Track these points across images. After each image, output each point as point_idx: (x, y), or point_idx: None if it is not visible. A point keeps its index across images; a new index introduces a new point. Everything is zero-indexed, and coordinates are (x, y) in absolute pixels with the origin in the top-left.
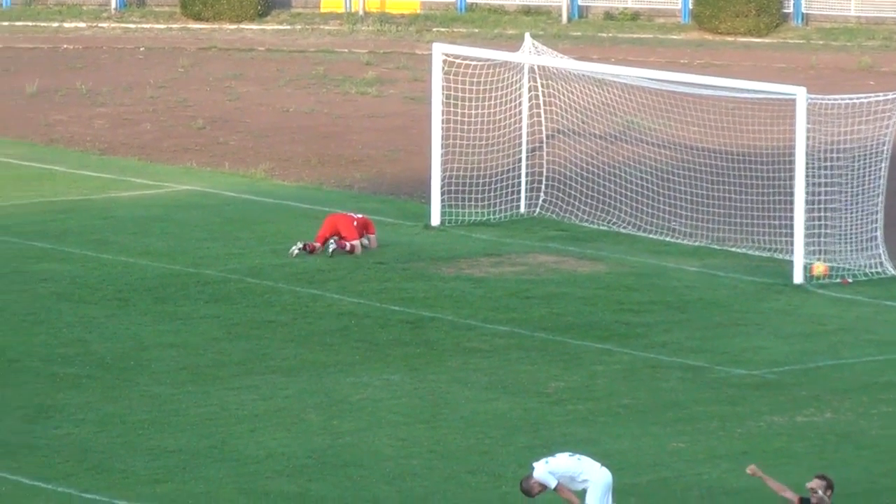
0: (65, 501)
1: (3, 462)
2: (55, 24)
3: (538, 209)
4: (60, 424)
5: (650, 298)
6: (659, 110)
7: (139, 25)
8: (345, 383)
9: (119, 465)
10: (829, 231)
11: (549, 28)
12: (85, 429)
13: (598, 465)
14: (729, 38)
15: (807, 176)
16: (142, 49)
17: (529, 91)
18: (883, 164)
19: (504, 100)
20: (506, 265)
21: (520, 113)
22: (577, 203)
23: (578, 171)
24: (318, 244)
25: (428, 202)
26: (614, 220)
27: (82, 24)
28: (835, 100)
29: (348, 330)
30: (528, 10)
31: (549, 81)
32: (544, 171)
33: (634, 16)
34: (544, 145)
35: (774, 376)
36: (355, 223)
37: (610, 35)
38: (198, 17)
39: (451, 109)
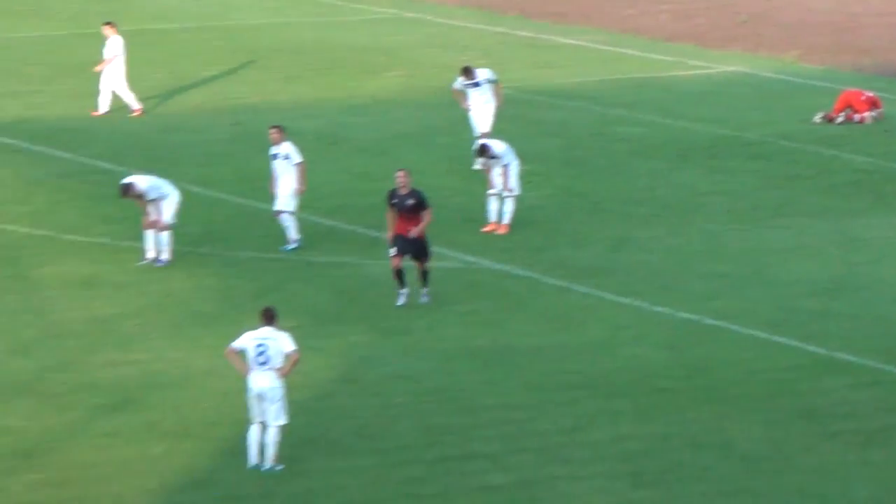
0: (637, 312)
1: (591, 280)
2: None
3: None
4: (634, 253)
5: None
6: None
7: None
8: (858, 225)
9: (680, 285)
10: None
11: None
12: (653, 257)
13: None
14: None
15: None
16: None
17: None
18: None
19: None
20: None
21: None
22: None
23: None
24: (834, 115)
25: None
26: None
27: None
28: None
29: (861, 183)
30: None
31: None
32: None
33: None
34: None
35: None
36: (863, 98)
37: None
38: None
39: None
